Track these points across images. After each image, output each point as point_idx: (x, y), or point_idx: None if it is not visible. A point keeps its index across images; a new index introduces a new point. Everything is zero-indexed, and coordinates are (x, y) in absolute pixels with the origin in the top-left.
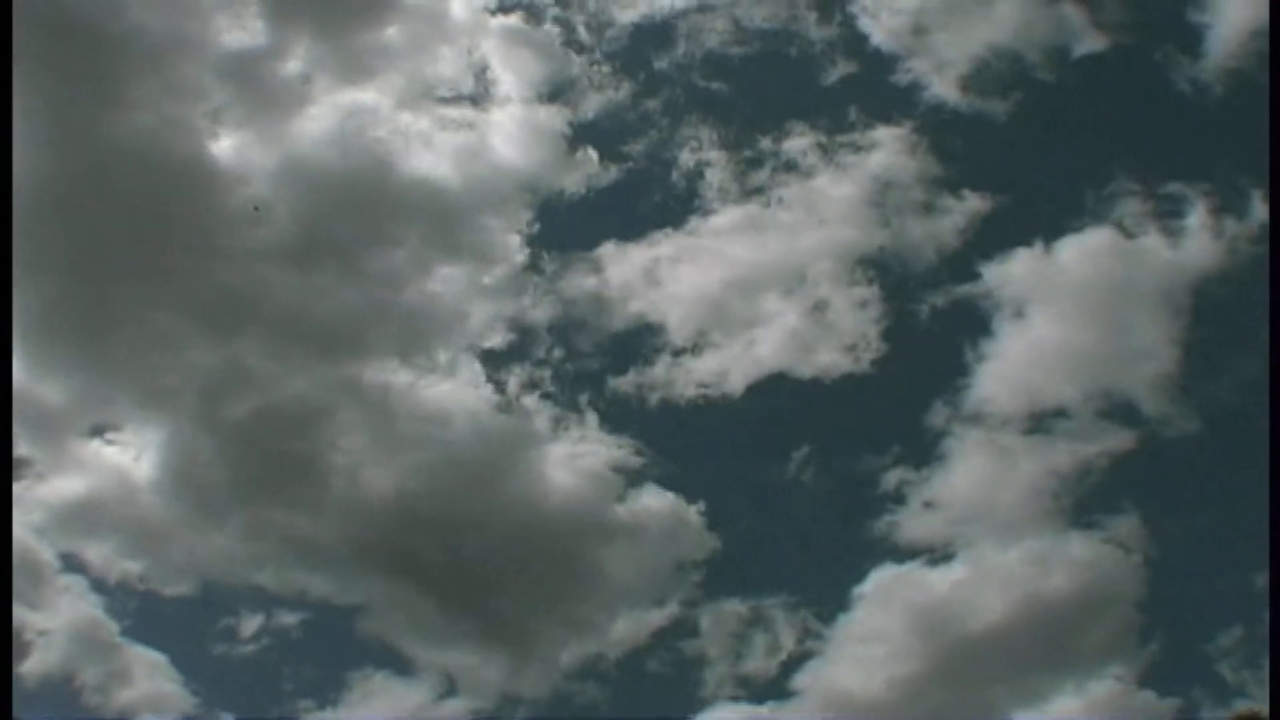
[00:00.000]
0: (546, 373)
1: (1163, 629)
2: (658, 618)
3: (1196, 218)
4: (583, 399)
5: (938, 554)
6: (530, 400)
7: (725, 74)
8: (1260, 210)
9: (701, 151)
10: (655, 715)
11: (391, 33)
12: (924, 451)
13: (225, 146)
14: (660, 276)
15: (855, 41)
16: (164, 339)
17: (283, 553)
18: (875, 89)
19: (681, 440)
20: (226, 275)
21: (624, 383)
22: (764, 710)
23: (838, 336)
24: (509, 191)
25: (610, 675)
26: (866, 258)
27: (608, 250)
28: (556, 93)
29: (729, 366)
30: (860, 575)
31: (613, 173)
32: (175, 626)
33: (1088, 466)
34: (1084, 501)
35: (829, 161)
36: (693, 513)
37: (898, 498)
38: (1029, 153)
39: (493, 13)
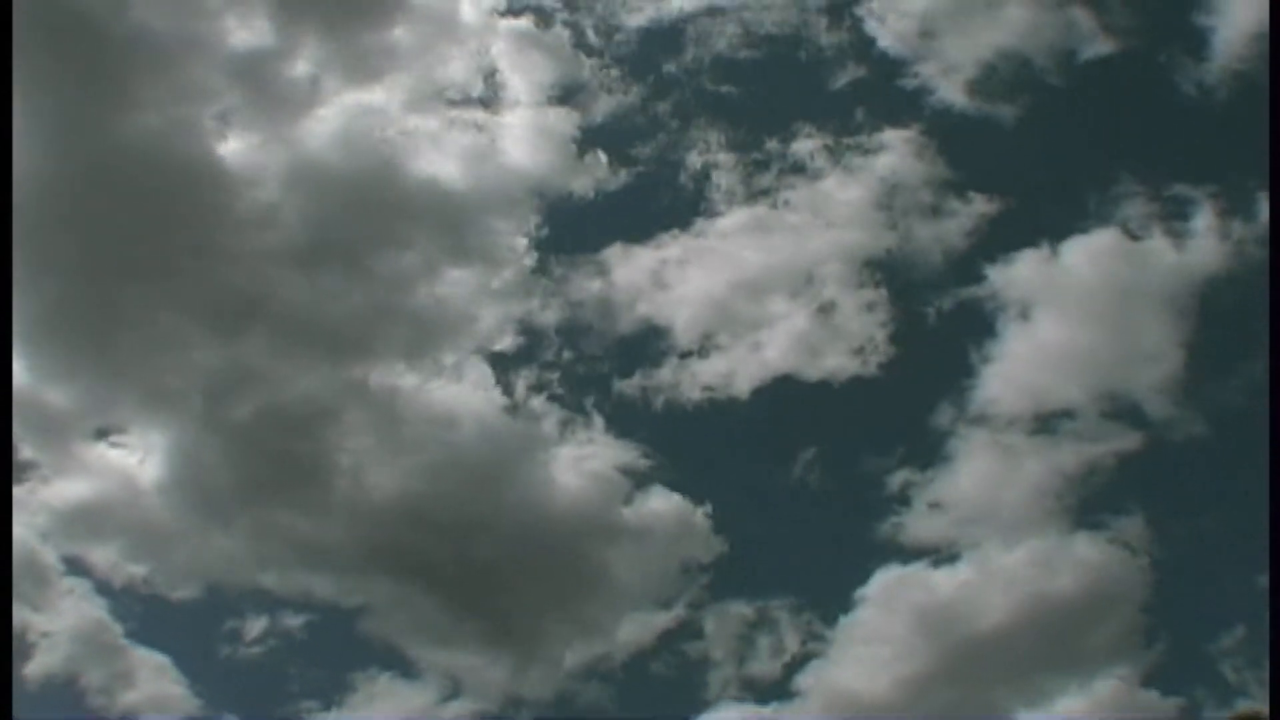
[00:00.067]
0: (554, 375)
1: (1167, 630)
2: (663, 620)
3: (1203, 220)
4: (590, 401)
5: (943, 555)
6: (537, 402)
7: (734, 77)
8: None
9: (710, 154)
10: (659, 716)
11: (400, 35)
12: (930, 453)
13: (232, 148)
14: (669, 279)
15: (863, 45)
16: (170, 341)
17: (289, 554)
18: (883, 92)
19: (689, 443)
20: (233, 277)
21: (632, 385)
22: (768, 711)
23: (845, 339)
24: (517, 194)
25: (615, 677)
26: (874, 260)
27: (616, 253)
28: (566, 95)
29: (737, 369)
30: (865, 576)
31: (621, 175)
32: (179, 628)
33: (1093, 468)
34: (1089, 503)
35: (837, 164)
36: (699, 515)
37: (903, 499)
38: (1036, 155)
39: (502, 15)
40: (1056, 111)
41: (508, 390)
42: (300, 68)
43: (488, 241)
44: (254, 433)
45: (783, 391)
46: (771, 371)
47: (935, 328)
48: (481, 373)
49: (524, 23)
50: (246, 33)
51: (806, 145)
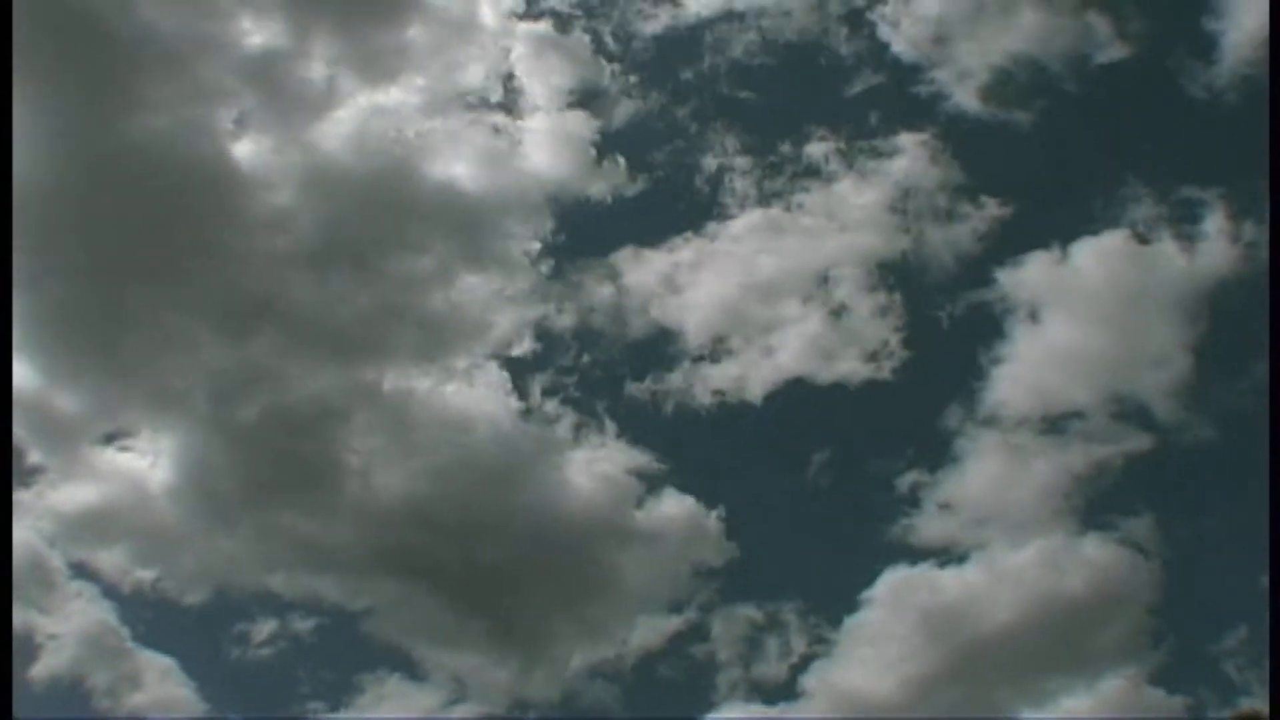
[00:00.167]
0: (567, 379)
1: (1174, 630)
2: (673, 623)
3: (1212, 223)
4: (603, 405)
5: (951, 555)
6: (550, 406)
7: (749, 82)
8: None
9: (725, 158)
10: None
11: (417, 38)
12: (939, 454)
13: (244, 149)
14: (683, 283)
15: (878, 51)
16: (180, 344)
17: (296, 556)
18: (897, 97)
19: (701, 446)
20: (245, 279)
21: (645, 389)
22: (774, 711)
23: (857, 342)
24: (532, 197)
25: (623, 679)
26: (886, 263)
27: (631, 257)
28: (582, 100)
29: (750, 372)
30: (875, 577)
31: (636, 180)
32: (186, 631)
33: (1102, 470)
34: (1098, 504)
35: (851, 168)
36: (712, 519)
37: (913, 500)
38: (1047, 159)
39: (520, 18)
40: (1067, 115)
41: (520, 393)
42: (315, 69)
43: (502, 245)
44: (263, 435)
45: (795, 394)
46: (784, 374)
47: (947, 330)
48: (494, 376)
49: (541, 26)
50: (259, 33)
51: (820, 149)
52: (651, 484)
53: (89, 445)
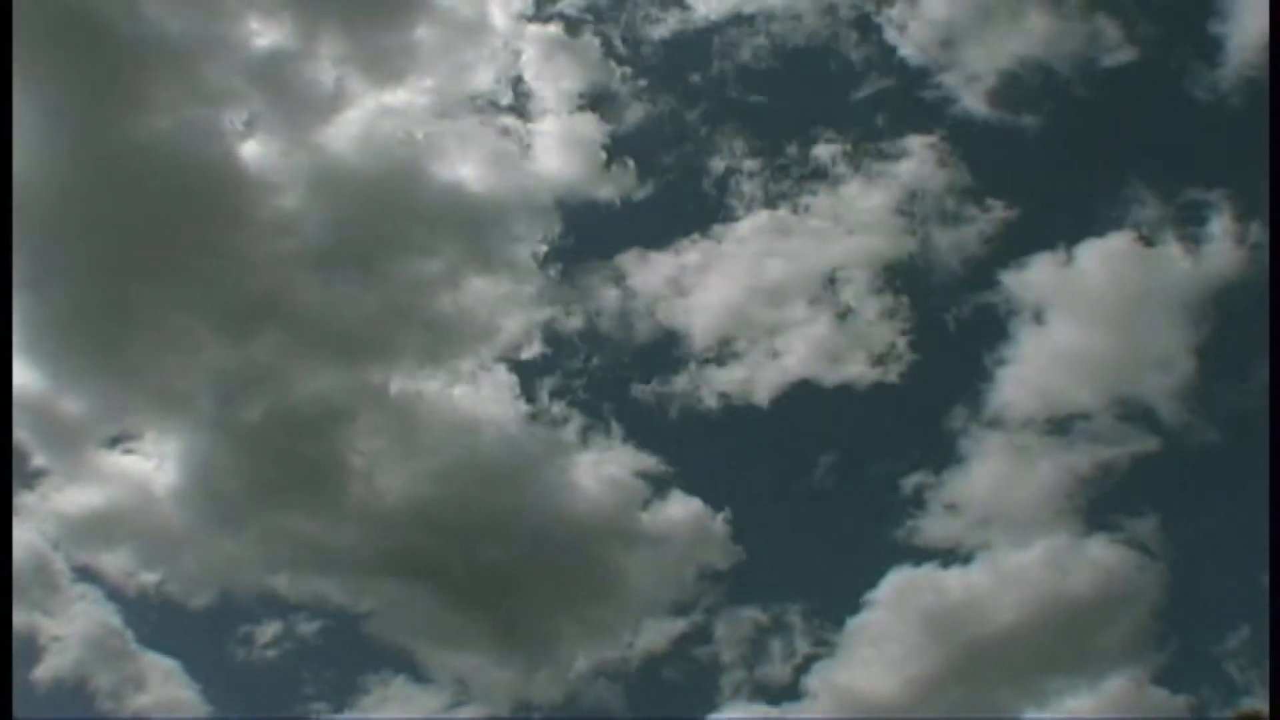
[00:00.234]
0: (574, 381)
1: (1178, 631)
2: (678, 626)
3: (1217, 225)
4: (610, 407)
5: (957, 556)
6: (557, 408)
7: (758, 86)
8: None
9: (734, 161)
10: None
11: (426, 39)
12: (945, 456)
13: (250, 151)
14: (691, 285)
15: (885, 54)
16: (185, 346)
17: (301, 558)
18: (905, 100)
19: (708, 449)
20: (251, 281)
21: (652, 391)
22: (777, 712)
23: (863, 344)
24: (541, 200)
25: (628, 681)
26: (893, 265)
27: (638, 259)
28: (591, 102)
29: (756, 375)
30: (880, 578)
31: (645, 182)
32: (190, 633)
33: (1106, 471)
34: (1102, 506)
35: (858, 171)
36: (718, 521)
37: (918, 502)
38: (1052, 161)
39: (529, 21)
40: (1072, 118)
41: (527, 396)
42: (322, 70)
43: (510, 247)
44: (269, 437)
45: (802, 397)
46: (791, 376)
47: (952, 332)
48: (501, 378)
49: (551, 29)
50: (266, 34)
51: (828, 152)
52: (658, 486)
53: (94, 448)
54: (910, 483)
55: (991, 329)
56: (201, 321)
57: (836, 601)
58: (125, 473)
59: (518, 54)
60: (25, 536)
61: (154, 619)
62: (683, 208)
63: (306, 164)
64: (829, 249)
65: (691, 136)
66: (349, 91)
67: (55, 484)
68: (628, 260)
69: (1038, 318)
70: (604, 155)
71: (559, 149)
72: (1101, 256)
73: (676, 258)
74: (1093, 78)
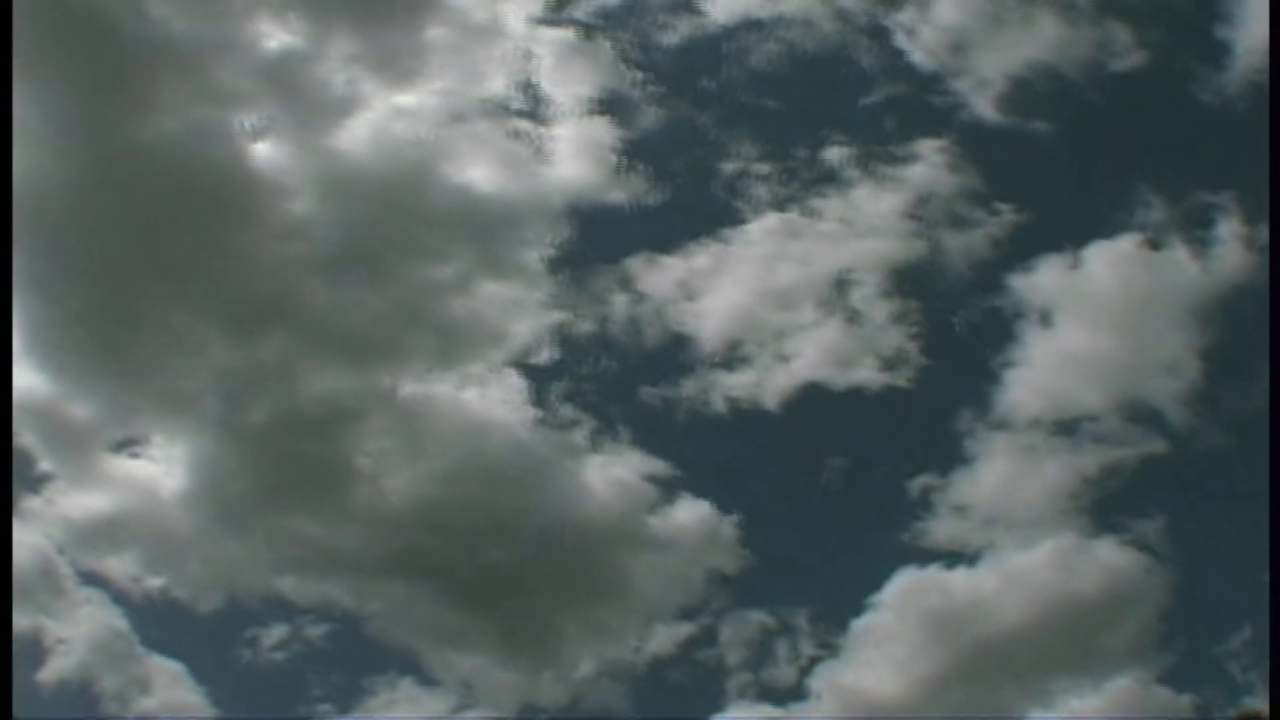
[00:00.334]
0: (583, 385)
1: (1183, 632)
2: (686, 630)
3: (1224, 228)
4: (619, 411)
5: (964, 557)
6: (566, 412)
7: (770, 91)
8: None
9: (744, 165)
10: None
11: (439, 43)
12: (952, 458)
13: (260, 153)
14: (701, 289)
15: (896, 60)
16: (194, 349)
17: (308, 560)
18: (915, 105)
19: (717, 452)
20: (259, 284)
21: (661, 395)
22: (782, 712)
23: (873, 348)
24: (552, 204)
25: (634, 684)
26: (902, 269)
27: (648, 263)
28: (604, 107)
29: (766, 378)
30: (886, 579)
31: (656, 187)
32: (196, 636)
33: (1112, 474)
34: (1108, 508)
35: (868, 175)
36: (727, 525)
37: (925, 503)
38: (1060, 165)
39: (543, 25)
40: (1079, 122)
41: (537, 399)
42: (333, 72)
43: (520, 251)
44: (279, 440)
45: (811, 400)
46: (800, 380)
47: (960, 335)
48: (510, 382)
49: (565, 33)
50: (276, 35)
51: (838, 156)
52: (666, 490)
53: (101, 452)
54: (918, 484)
55: (999, 332)
56: (210, 324)
57: (843, 603)
58: (132, 477)
59: (531, 58)
60: (31, 540)
61: (160, 622)
62: (693, 211)
63: (316, 166)
64: (838, 252)
65: (703, 141)
66: (360, 94)
67: (61, 488)
68: (637, 264)
69: (1045, 320)
70: (616, 159)
71: (571, 153)
72: (1109, 260)
73: (686, 261)
74: (1100, 82)
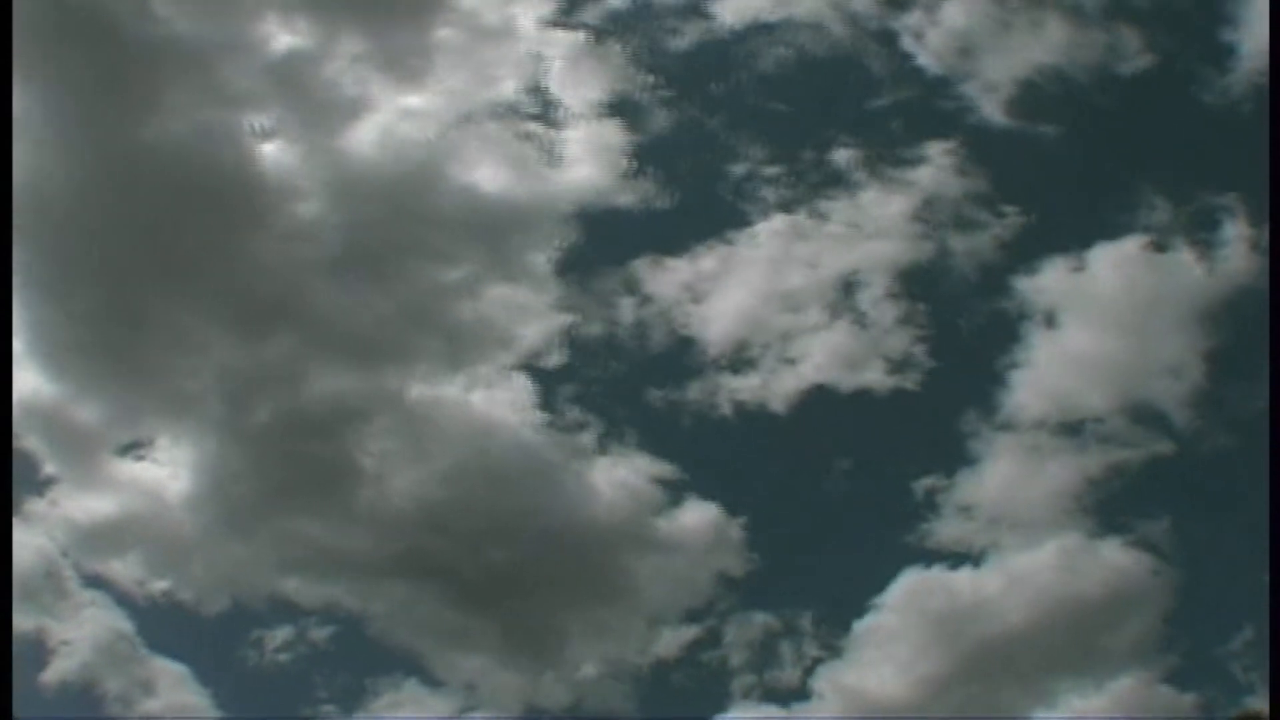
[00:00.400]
0: (591, 388)
1: (1187, 633)
2: (693, 632)
3: (1231, 230)
4: (626, 414)
5: (969, 558)
6: (574, 414)
7: (779, 94)
8: None
9: (753, 168)
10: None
11: (448, 44)
12: (957, 459)
13: (268, 155)
14: (708, 292)
15: (904, 63)
16: (200, 351)
17: (313, 562)
18: (923, 108)
19: (724, 455)
20: (269, 286)
21: (669, 398)
22: (786, 712)
23: (880, 350)
24: (560, 206)
25: (639, 686)
26: (909, 271)
27: (656, 266)
28: (613, 109)
29: (773, 381)
30: (892, 580)
31: (665, 190)
32: (200, 639)
33: (1117, 475)
34: (1113, 509)
35: (875, 177)
36: (734, 527)
37: (931, 505)
38: (1066, 167)
39: (553, 27)
40: (1086, 125)
41: (544, 402)
42: (341, 74)
43: (529, 254)
44: (283, 441)
45: (818, 402)
46: (808, 382)
47: (967, 337)
48: (517, 384)
49: (575, 36)
50: (284, 36)
51: (846, 159)
52: (674, 493)
53: (108, 455)
54: (923, 485)
55: (1004, 333)
56: (216, 326)
57: (847, 604)
58: (137, 479)
59: (541, 60)
60: (35, 542)
61: (164, 624)
62: (701, 214)
63: (324, 168)
64: (846, 255)
65: (711, 144)
66: (369, 95)
67: (65, 491)
68: (645, 267)
69: (1050, 322)
70: (625, 162)
71: (580, 155)
72: (1114, 262)
73: (693, 264)
74: (1105, 85)
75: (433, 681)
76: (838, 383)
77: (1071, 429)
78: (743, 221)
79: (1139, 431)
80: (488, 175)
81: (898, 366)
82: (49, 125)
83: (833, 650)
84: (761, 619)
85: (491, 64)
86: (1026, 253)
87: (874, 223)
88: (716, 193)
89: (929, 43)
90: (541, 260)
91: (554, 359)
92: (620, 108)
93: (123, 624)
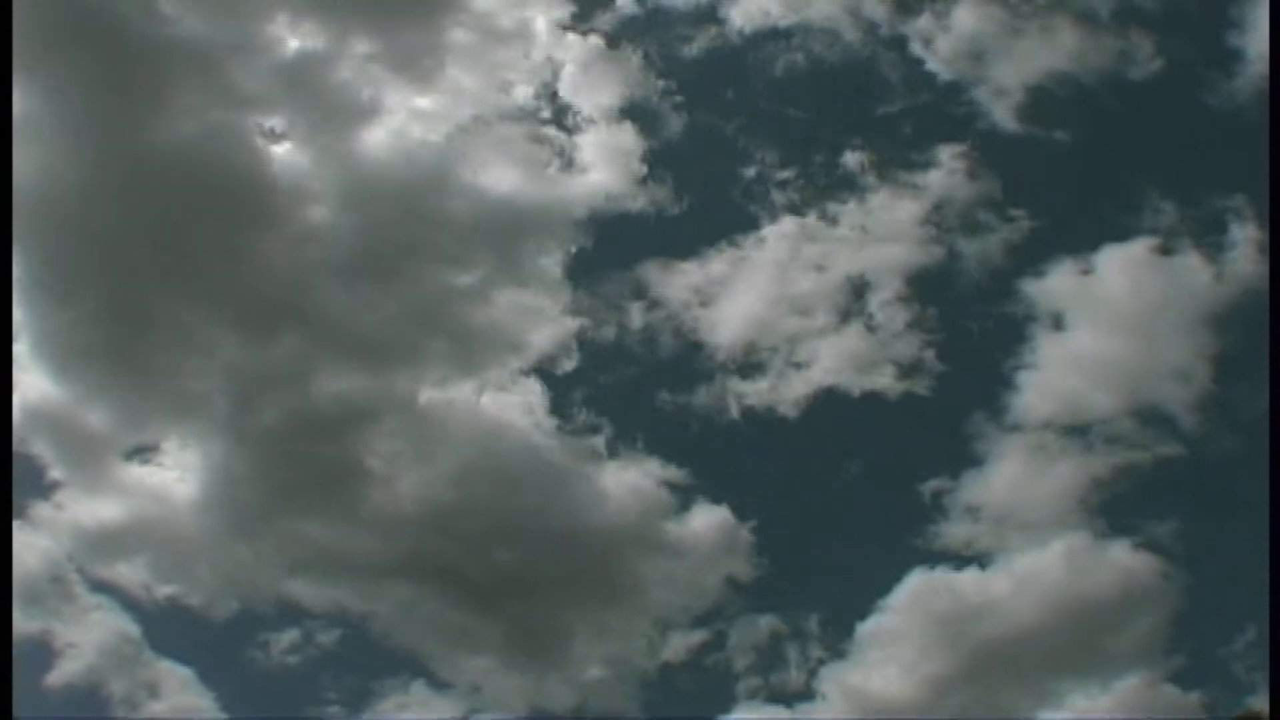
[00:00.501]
0: (601, 392)
1: (1193, 634)
2: (702, 635)
3: (1238, 233)
4: (637, 418)
5: (976, 559)
6: (584, 418)
7: (791, 99)
8: None
9: (764, 172)
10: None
11: (462, 47)
12: (965, 461)
13: (279, 157)
14: (718, 296)
15: (915, 68)
16: (208, 354)
17: (319, 564)
18: (933, 113)
19: (734, 459)
20: (278, 289)
21: (679, 402)
22: (790, 713)
23: (889, 353)
24: (571, 210)
25: (644, 688)
26: (919, 275)
27: (667, 270)
28: (626, 114)
29: (783, 384)
30: (899, 581)
31: (677, 194)
32: (205, 641)
33: (1123, 476)
34: (1119, 511)
35: (886, 181)
36: (744, 531)
37: (939, 506)
38: (1073, 171)
39: (567, 31)
40: (1094, 129)
41: (554, 406)
42: (353, 76)
43: (540, 258)
44: (292, 444)
45: (828, 405)
46: (817, 385)
47: (975, 340)
48: (528, 388)
49: (589, 40)
50: (295, 38)
51: (856, 163)
52: (684, 496)
53: (115, 459)
54: (930, 487)
55: (1012, 336)
56: (225, 329)
57: (854, 606)
58: (143, 483)
59: (554, 64)
60: (40, 545)
61: (169, 627)
62: (711, 218)
63: (335, 170)
64: (855, 258)
65: (723, 148)
66: (380, 97)
67: (72, 495)
68: (656, 270)
69: (1057, 324)
70: (637, 166)
71: (592, 159)
72: (1121, 265)
73: (703, 268)
74: (1113, 89)
75: (439, 683)
76: (847, 386)
77: (1079, 431)
78: (753, 225)
79: (1146, 433)
80: (499, 178)
81: (907, 370)
82: (57, 126)
83: (838, 651)
84: (767, 621)
85: (504, 67)
86: (1035, 256)
87: (883, 227)
88: (727, 196)
89: (939, 48)
90: (552, 264)
91: (564, 363)
92: (632, 112)
93: (129, 627)
